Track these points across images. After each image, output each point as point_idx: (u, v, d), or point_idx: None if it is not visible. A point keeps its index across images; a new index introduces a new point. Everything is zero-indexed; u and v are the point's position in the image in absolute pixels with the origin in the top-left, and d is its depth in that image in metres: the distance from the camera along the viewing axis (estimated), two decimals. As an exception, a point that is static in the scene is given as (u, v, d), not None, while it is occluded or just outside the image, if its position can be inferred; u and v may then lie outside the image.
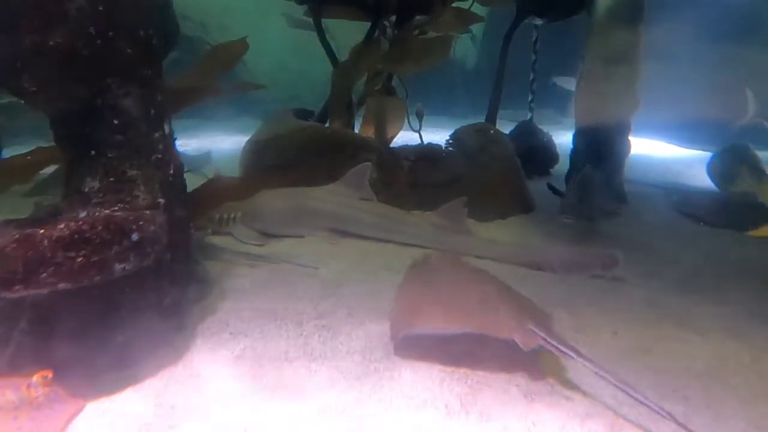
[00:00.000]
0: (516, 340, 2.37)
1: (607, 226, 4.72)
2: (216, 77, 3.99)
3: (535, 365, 2.51)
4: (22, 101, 2.44)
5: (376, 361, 2.59)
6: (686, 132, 9.62)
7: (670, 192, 6.16)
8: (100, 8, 2.36)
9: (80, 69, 2.36)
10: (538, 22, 6.97)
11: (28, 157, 3.33)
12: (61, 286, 2.06)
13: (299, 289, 3.40)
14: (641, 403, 2.11)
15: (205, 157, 7.31)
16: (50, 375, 2.11)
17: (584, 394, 2.36)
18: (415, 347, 2.69)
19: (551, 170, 6.97)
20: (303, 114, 6.15)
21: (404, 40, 5.89)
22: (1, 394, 2.02)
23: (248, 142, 5.52)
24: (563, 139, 7.09)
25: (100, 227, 2.15)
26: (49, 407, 2.07)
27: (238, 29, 4.52)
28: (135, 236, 2.25)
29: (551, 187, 5.62)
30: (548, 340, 2.35)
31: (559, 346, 2.33)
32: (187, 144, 8.88)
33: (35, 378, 2.07)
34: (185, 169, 2.99)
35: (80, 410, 2.18)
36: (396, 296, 2.83)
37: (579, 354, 2.30)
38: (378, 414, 2.21)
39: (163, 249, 2.46)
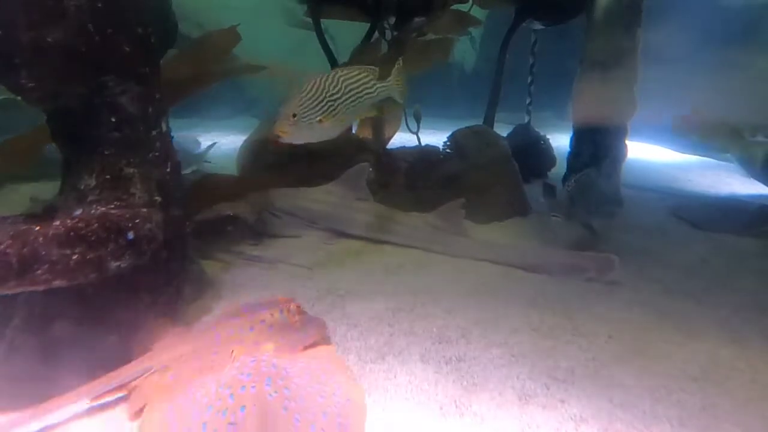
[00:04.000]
0: None
1: (603, 230, 4.72)
2: (208, 67, 3.92)
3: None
4: (19, 97, 2.44)
5: (371, 362, 2.59)
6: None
7: (666, 196, 6.17)
8: (99, 5, 2.35)
9: (78, 66, 2.35)
10: (538, 26, 6.97)
11: (29, 137, 3.28)
12: (56, 283, 2.06)
13: (295, 289, 3.40)
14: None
15: (204, 150, 7.25)
16: (299, 306, 2.66)
17: (578, 397, 2.37)
18: (411, 349, 2.70)
19: (548, 173, 6.98)
20: (301, 114, 6.12)
21: (403, 41, 5.89)
22: (270, 315, 2.54)
23: (246, 141, 5.51)
24: (561, 142, 7.08)
25: (95, 225, 2.15)
26: (299, 331, 2.55)
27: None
28: (131, 234, 2.24)
29: (547, 186, 5.31)
30: None
31: None
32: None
33: (293, 306, 2.63)
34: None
35: (322, 338, 2.61)
36: None
37: None
38: (373, 415, 2.20)
39: (158, 247, 2.46)
